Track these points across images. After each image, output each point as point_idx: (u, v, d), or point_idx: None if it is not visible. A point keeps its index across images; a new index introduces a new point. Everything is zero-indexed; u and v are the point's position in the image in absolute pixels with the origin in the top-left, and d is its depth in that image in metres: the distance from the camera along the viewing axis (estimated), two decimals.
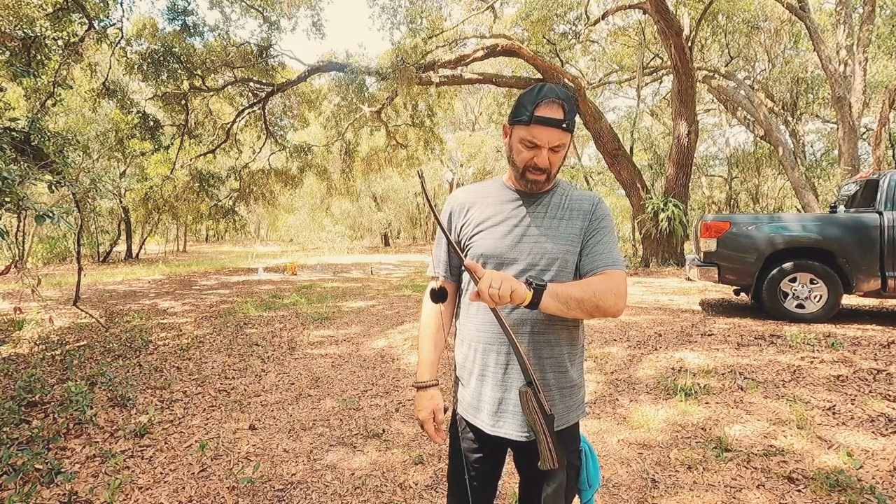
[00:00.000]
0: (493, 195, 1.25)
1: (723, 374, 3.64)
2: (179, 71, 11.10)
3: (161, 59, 10.79)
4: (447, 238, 1.16)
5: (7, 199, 3.22)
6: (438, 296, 1.15)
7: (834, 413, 2.93)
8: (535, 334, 1.15)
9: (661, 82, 19.25)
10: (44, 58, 7.12)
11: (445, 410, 1.29)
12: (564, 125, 1.10)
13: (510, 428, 1.17)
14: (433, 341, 1.32)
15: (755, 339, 4.54)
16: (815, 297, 5.13)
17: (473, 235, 1.22)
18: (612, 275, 1.14)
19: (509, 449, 1.27)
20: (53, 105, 8.03)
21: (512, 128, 1.18)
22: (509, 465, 1.31)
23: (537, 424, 1.05)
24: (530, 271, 1.15)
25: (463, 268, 0.98)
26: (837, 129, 11.85)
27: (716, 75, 15.17)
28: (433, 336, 1.32)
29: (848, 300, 6.29)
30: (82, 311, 6.02)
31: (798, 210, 15.34)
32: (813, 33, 11.98)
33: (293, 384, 3.91)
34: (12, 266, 5.13)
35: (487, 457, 1.25)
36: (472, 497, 1.26)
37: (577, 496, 1.26)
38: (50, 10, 7.80)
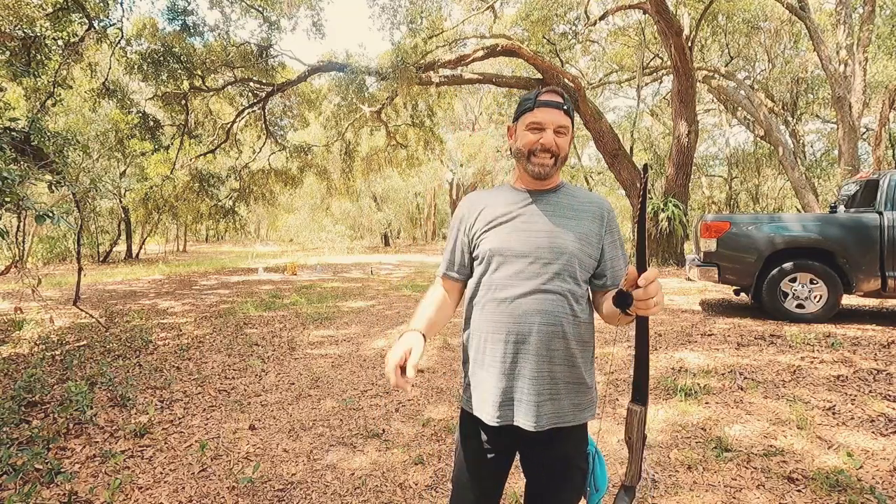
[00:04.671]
0: (503, 196, 1.30)
1: (723, 374, 3.64)
2: (179, 71, 11.09)
3: (161, 59, 10.78)
4: (456, 237, 1.30)
5: (7, 199, 3.22)
6: (625, 300, 1.02)
7: (834, 413, 2.93)
8: (545, 325, 1.16)
9: (661, 82, 19.25)
10: (44, 58, 7.12)
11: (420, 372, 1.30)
12: (565, 108, 1.22)
13: (519, 417, 1.17)
14: (430, 310, 1.28)
15: (755, 339, 4.54)
16: (815, 297, 5.13)
17: (483, 233, 1.26)
18: None
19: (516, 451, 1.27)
20: (53, 105, 8.03)
21: (517, 122, 1.27)
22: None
23: (638, 443, 1.04)
24: (535, 265, 1.18)
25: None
26: (837, 129, 11.84)
27: (716, 75, 15.16)
28: (432, 306, 1.29)
29: (848, 300, 6.29)
30: (82, 311, 6.02)
31: (798, 210, 15.33)
32: (813, 33, 11.97)
33: (293, 384, 3.91)
34: (12, 266, 5.12)
35: (495, 456, 1.25)
36: (478, 499, 1.26)
37: (584, 499, 1.25)
38: (50, 10, 7.79)
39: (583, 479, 1.23)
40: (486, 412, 1.20)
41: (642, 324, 1.00)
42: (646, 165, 1.04)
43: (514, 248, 1.20)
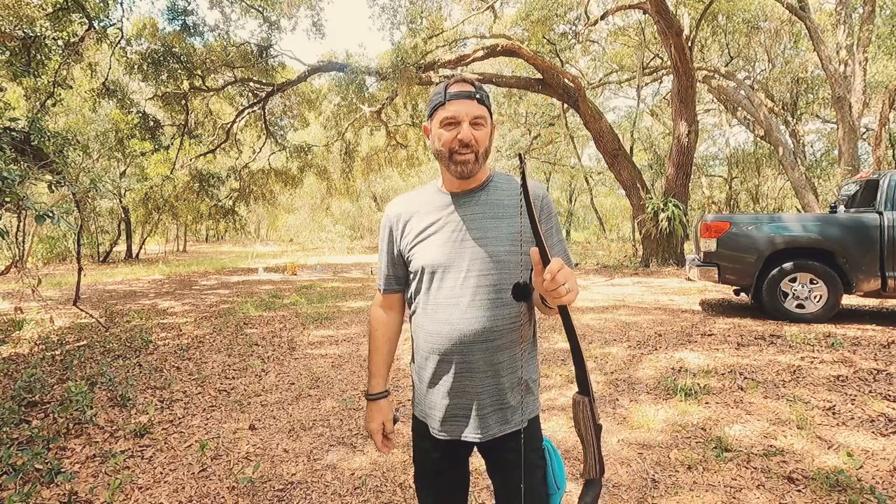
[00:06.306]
0: (429, 202, 1.23)
1: (723, 374, 3.64)
2: (179, 71, 11.11)
3: (161, 59, 10.79)
4: (388, 249, 1.27)
5: (7, 199, 3.22)
6: (523, 293, 1.05)
7: (834, 413, 2.93)
8: (488, 341, 1.13)
9: (661, 82, 19.25)
10: (44, 58, 7.12)
11: (395, 422, 1.32)
12: (477, 96, 1.13)
13: (465, 431, 1.16)
14: (383, 352, 1.31)
15: (755, 339, 4.54)
16: (815, 297, 5.13)
17: (414, 246, 1.20)
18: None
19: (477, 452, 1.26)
20: (53, 105, 8.03)
21: (431, 120, 1.20)
22: None
23: (588, 434, 1.02)
24: (471, 279, 1.13)
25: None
26: (837, 129, 11.85)
27: (716, 75, 15.16)
28: (383, 347, 1.31)
29: (848, 300, 6.29)
30: (82, 311, 6.02)
31: (798, 210, 15.33)
32: (813, 33, 11.97)
33: (293, 384, 3.91)
34: (12, 266, 5.12)
35: (446, 457, 1.24)
36: (442, 497, 1.26)
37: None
38: (50, 10, 7.80)
39: (543, 477, 1.20)
40: (433, 426, 1.20)
41: (564, 314, 0.97)
42: (520, 155, 0.99)
43: (446, 262, 1.15)
